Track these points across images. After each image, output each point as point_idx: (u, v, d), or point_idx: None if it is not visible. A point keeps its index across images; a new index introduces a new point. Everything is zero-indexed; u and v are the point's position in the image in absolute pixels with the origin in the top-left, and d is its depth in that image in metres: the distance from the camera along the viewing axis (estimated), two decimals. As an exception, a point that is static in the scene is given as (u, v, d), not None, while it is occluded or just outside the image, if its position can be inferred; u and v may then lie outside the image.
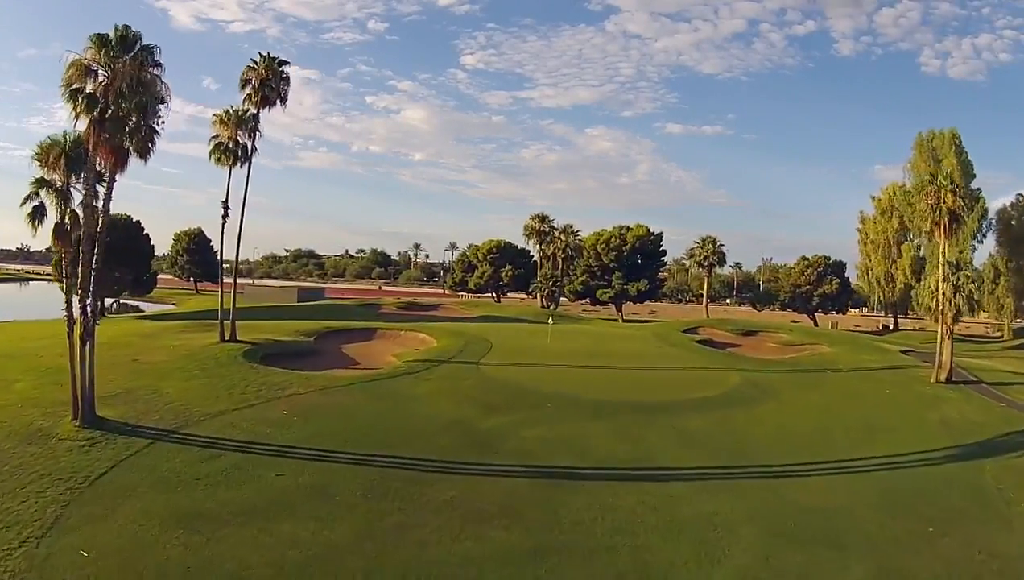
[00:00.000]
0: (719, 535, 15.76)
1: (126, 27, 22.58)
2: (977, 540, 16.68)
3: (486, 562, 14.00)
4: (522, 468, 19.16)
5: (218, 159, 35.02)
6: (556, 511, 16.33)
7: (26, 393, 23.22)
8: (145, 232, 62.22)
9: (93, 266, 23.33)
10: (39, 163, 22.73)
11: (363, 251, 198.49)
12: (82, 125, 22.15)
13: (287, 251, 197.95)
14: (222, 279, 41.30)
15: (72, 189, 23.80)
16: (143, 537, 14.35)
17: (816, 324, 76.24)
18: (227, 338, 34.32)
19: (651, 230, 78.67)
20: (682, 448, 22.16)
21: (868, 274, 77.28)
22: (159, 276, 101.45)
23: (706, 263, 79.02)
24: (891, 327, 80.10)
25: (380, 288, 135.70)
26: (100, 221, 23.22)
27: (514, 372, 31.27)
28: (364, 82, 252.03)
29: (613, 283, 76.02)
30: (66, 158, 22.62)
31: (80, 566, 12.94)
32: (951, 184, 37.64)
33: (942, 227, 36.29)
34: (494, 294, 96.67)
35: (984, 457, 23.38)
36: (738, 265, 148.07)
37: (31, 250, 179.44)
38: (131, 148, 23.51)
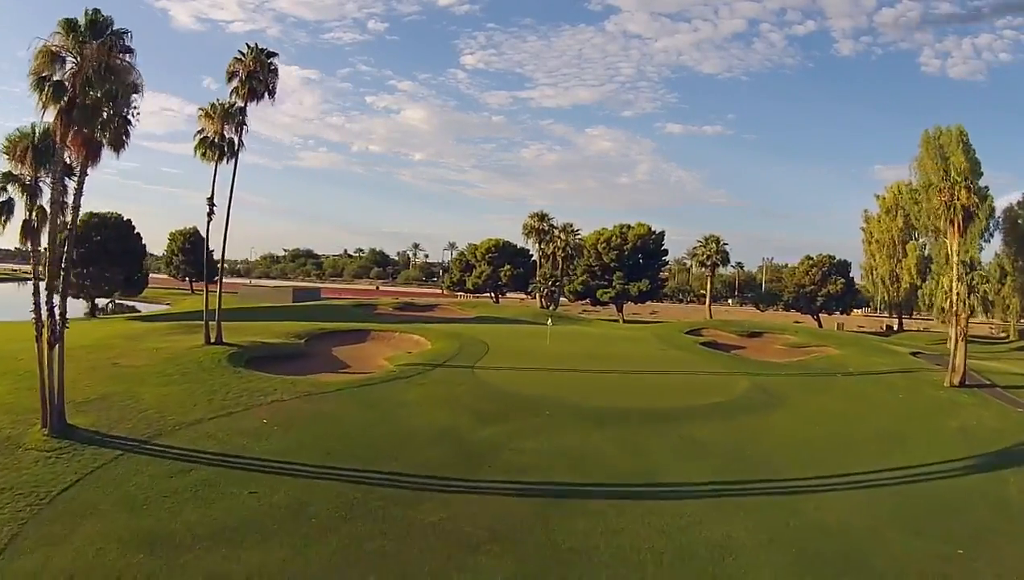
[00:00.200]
0: (736, 563, 14.26)
1: (96, 11, 21.18)
2: (1006, 561, 15.43)
3: (474, 596, 12.59)
4: (516, 485, 17.68)
5: (203, 154, 33.72)
6: (553, 536, 14.83)
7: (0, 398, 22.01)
8: (136, 231, 61.11)
9: (63, 266, 22.21)
10: (7, 156, 21.55)
11: (361, 251, 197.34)
12: (51, 116, 20.91)
13: (285, 251, 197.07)
14: (207, 280, 39.87)
15: (41, 184, 22.66)
16: (100, 562, 13.09)
17: (820, 325, 74.94)
18: (212, 341, 32.99)
19: (652, 229, 77.54)
20: (690, 461, 20.68)
21: (872, 274, 76.43)
22: (157, 276, 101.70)
23: (709, 262, 77.76)
24: (895, 328, 78.92)
25: (378, 288, 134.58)
26: (70, 218, 21.99)
27: (511, 377, 29.90)
28: (364, 82, 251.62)
29: (614, 283, 74.81)
30: (34, 151, 21.42)
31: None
32: (965, 180, 36.47)
33: (956, 225, 34.99)
34: (493, 294, 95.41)
35: (1005, 467, 22.12)
36: (739, 265, 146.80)
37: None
38: (104, 140, 22.31)
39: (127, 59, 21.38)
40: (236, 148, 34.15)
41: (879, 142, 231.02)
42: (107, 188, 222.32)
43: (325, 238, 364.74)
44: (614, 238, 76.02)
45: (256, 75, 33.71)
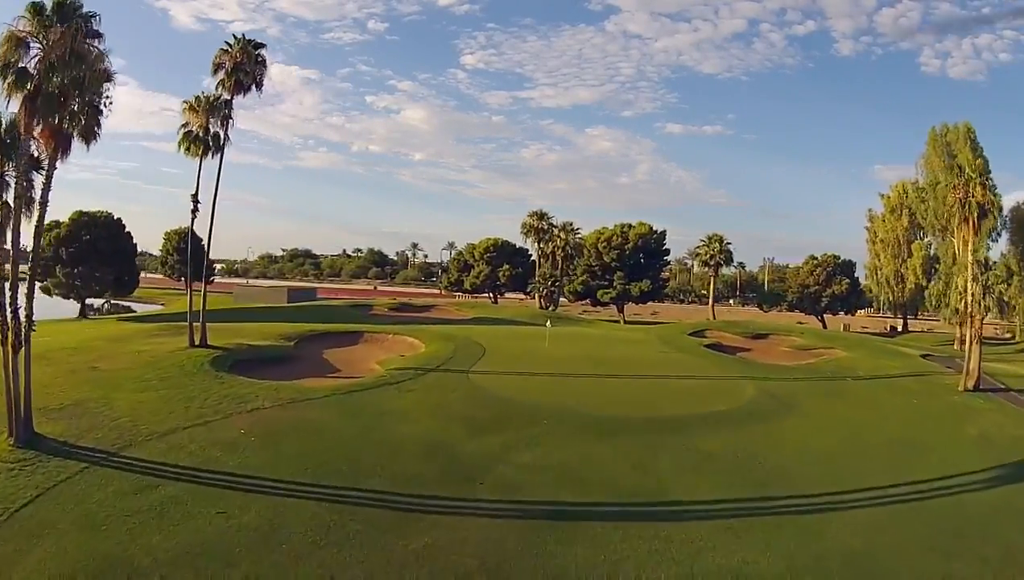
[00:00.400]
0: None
1: (64, -9, 19.82)
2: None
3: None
4: (511, 506, 16.23)
5: (187, 149, 32.35)
6: (550, 565, 13.42)
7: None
8: (127, 230, 59.65)
9: (31, 265, 20.95)
10: (-26, 149, 20.24)
11: (360, 250, 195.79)
12: (15, 106, 19.58)
13: (283, 251, 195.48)
14: (191, 279, 38.45)
15: (7, 178, 21.40)
16: (50, 590, 11.75)
17: (825, 326, 73.54)
18: (197, 343, 31.64)
19: (654, 228, 76.14)
20: (699, 475, 19.24)
21: (877, 274, 75.32)
22: (153, 276, 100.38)
23: (712, 262, 76.44)
24: (900, 329, 77.58)
25: (375, 288, 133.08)
26: (37, 215, 20.65)
27: (507, 382, 28.50)
28: (364, 82, 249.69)
29: (615, 283, 73.42)
30: (-1, 143, 20.08)
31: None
32: (979, 176, 35.18)
33: (971, 223, 33.75)
34: (491, 294, 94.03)
35: (1030, 478, 20.74)
36: (741, 265, 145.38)
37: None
38: (73, 132, 20.97)
39: (96, 44, 20.10)
40: (222, 142, 32.80)
41: (879, 142, 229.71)
42: (107, 188, 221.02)
43: (325, 238, 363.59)
44: (615, 237, 74.61)
45: (243, 67, 32.31)
